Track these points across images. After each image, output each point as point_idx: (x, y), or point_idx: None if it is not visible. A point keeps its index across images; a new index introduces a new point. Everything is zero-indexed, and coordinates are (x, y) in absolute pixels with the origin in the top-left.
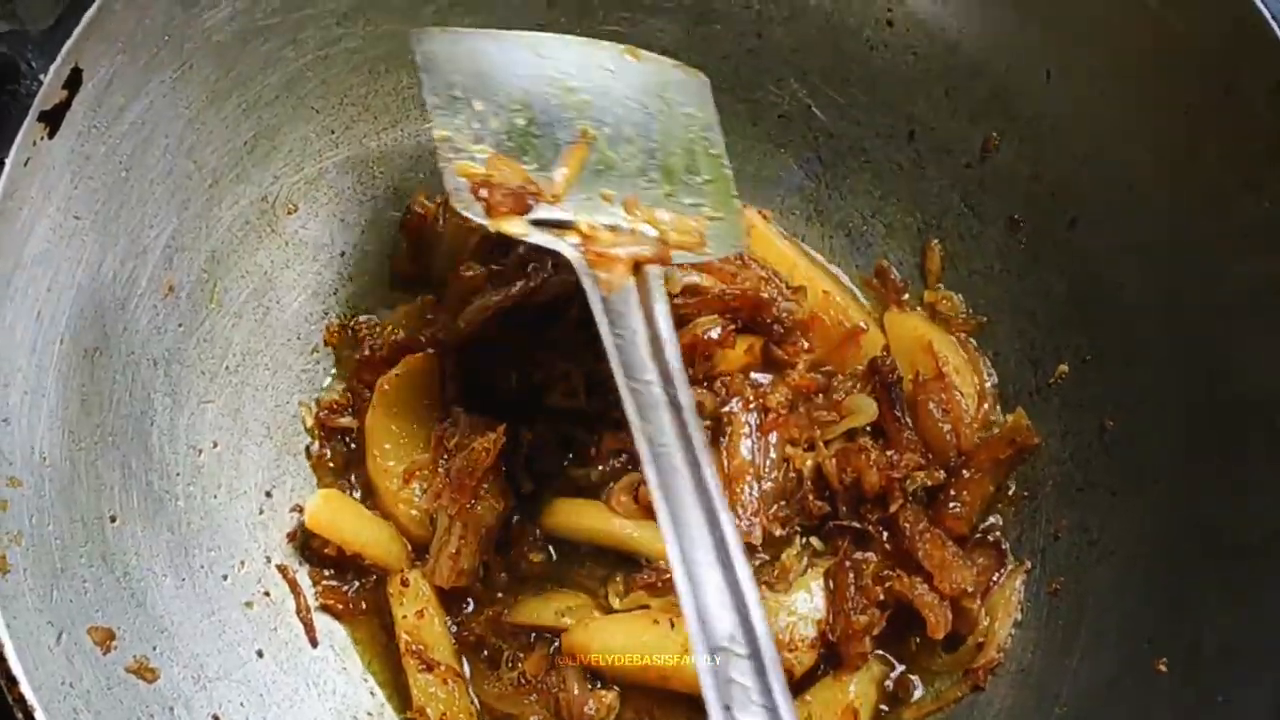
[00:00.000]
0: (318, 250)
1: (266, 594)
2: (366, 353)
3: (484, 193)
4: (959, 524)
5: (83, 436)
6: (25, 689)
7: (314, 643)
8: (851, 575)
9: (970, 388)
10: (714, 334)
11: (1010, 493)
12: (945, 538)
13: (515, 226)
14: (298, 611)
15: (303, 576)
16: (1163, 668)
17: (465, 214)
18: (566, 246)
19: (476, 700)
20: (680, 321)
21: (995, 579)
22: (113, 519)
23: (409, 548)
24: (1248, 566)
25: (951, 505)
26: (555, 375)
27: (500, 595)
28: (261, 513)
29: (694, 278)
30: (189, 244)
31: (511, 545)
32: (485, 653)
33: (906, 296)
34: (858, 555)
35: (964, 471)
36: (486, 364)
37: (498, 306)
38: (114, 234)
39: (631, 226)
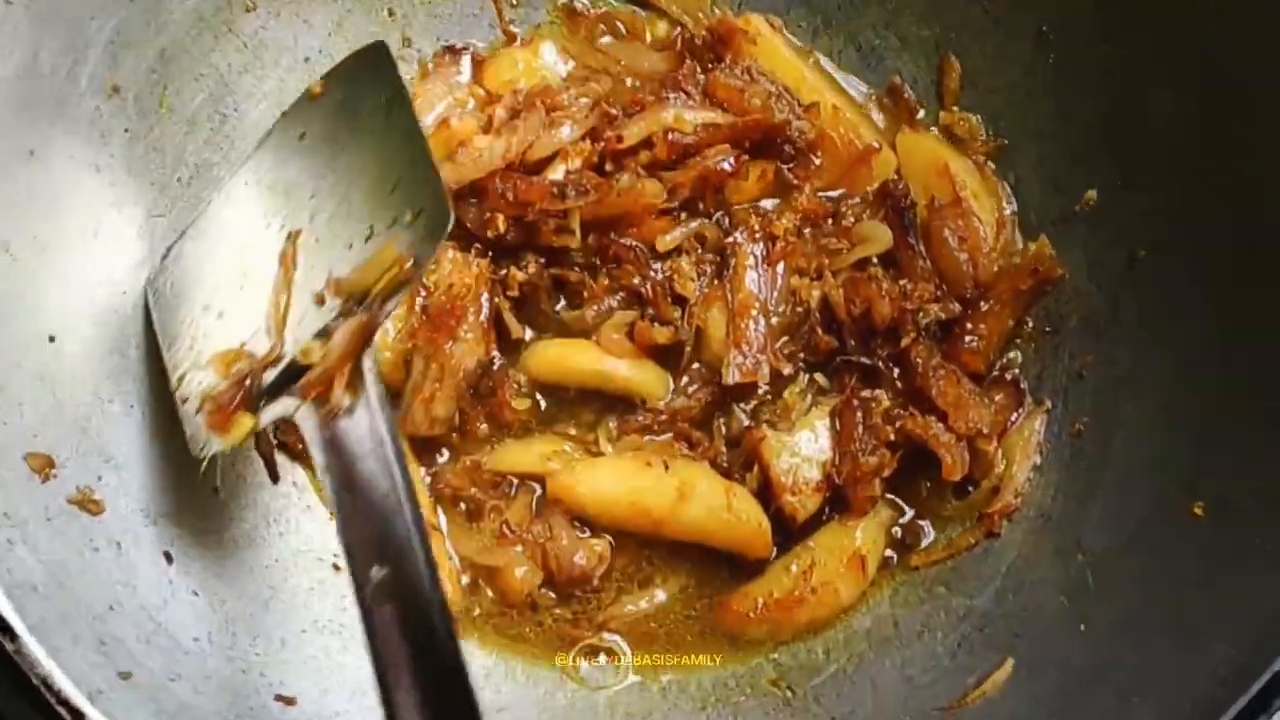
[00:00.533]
0: (280, 54)
1: None
2: None
3: (206, 415)
4: (975, 360)
5: (19, 247)
6: None
7: (275, 478)
8: (859, 414)
9: (989, 214)
10: (726, 165)
11: (1030, 328)
12: (961, 374)
13: (244, 426)
14: (257, 445)
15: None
16: (1197, 511)
17: (202, 453)
18: (297, 414)
19: (455, 557)
20: (689, 153)
21: (1013, 419)
22: (51, 338)
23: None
24: None
25: (968, 340)
26: (548, 214)
27: (480, 445)
28: None
29: (703, 114)
30: (135, 40)
31: (493, 392)
32: (463, 505)
33: (921, 116)
34: (866, 393)
35: (981, 304)
36: (471, 207)
37: (491, 166)
38: (52, 22)
39: (338, 311)
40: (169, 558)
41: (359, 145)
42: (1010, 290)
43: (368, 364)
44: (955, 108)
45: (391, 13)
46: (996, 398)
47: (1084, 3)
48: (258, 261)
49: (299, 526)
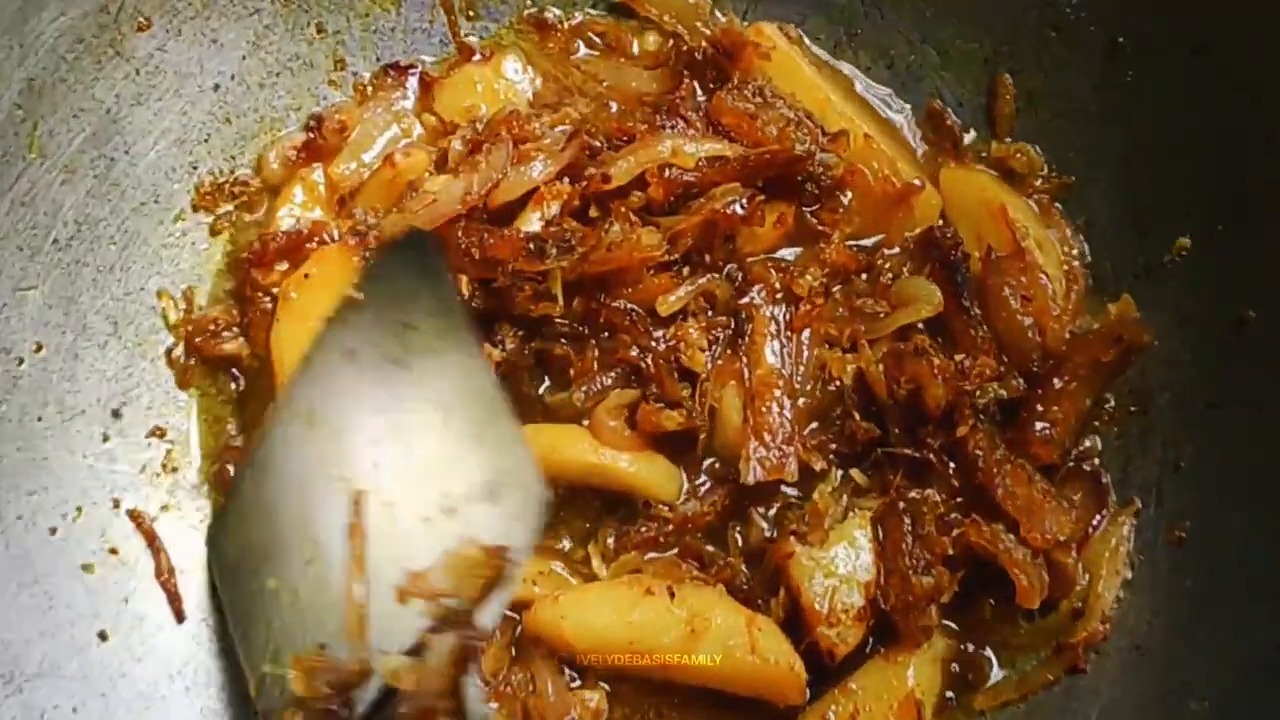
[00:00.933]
0: (181, 82)
1: (113, 552)
2: (257, 245)
3: None
4: (1049, 450)
5: None
6: None
7: (180, 616)
8: (908, 521)
9: (1056, 267)
10: (737, 208)
11: (1111, 408)
12: (1031, 469)
13: None
14: (158, 574)
15: (166, 523)
16: None
17: None
18: None
19: None
20: (691, 193)
21: (1095, 524)
22: None
23: None
24: None
25: (1039, 426)
26: (523, 275)
27: None
28: (106, 440)
29: (710, 146)
30: None
31: None
32: None
33: (968, 142)
34: (915, 493)
35: (1053, 380)
36: None
37: (449, 213)
38: None
39: (426, 617)
40: None
41: (417, 375)
42: (1088, 363)
43: (471, 692)
44: (1009, 137)
45: (321, 29)
46: (1074, 497)
47: (1167, 6)
48: (323, 527)
49: (211, 678)
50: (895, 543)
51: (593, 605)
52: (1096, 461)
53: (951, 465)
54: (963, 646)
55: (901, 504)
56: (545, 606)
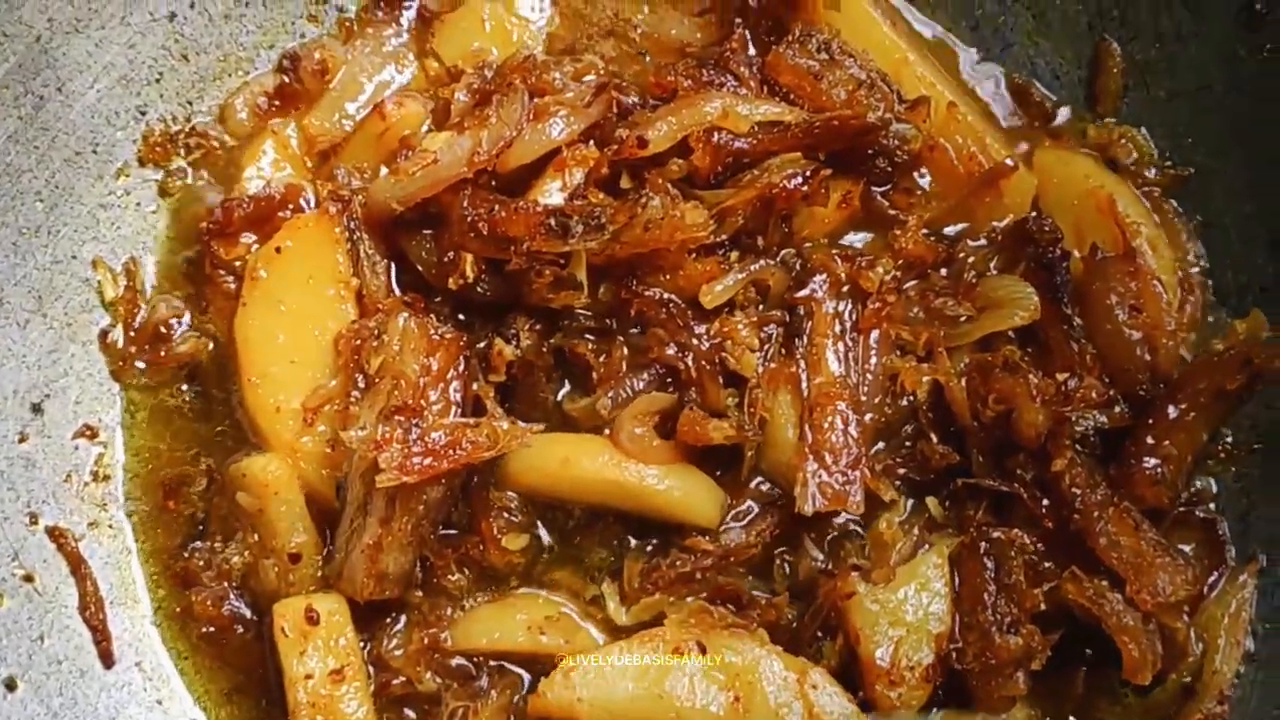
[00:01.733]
0: (129, 6)
1: (27, 579)
2: (218, 212)
3: None
4: (1158, 492)
5: None
6: None
7: (109, 660)
8: (991, 565)
9: (1170, 274)
10: (797, 182)
11: (1228, 445)
12: (1137, 515)
13: None
14: (82, 609)
15: (95, 544)
16: None
17: None
18: None
19: None
20: (743, 164)
21: (1211, 583)
22: None
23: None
24: None
25: (1149, 463)
26: (542, 257)
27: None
28: (23, 440)
29: (767, 108)
30: None
31: (472, 527)
32: (412, 711)
33: (1062, 121)
34: (999, 534)
35: (1167, 409)
36: (425, 242)
37: (452, 178)
38: None
39: None
40: None
41: None
42: (1210, 391)
43: None
44: (1114, 118)
45: None
46: (1186, 549)
47: None
48: None
49: None
50: (976, 590)
51: (615, 681)
52: (1212, 507)
53: (1044, 503)
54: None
55: (984, 544)
56: (556, 685)
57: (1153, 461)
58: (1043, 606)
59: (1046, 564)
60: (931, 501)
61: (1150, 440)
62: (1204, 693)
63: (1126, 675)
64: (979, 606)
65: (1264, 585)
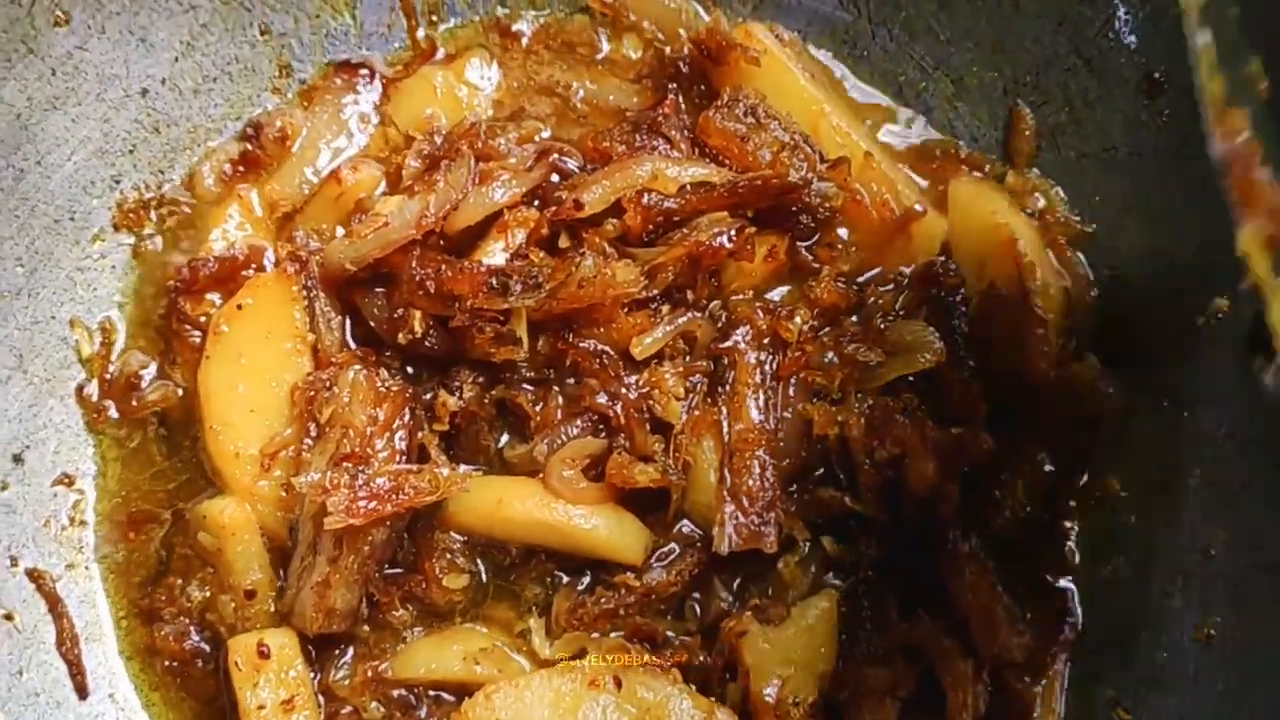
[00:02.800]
0: (104, 85)
1: (8, 618)
2: (185, 271)
3: None
4: (998, 518)
5: None
6: None
7: (83, 692)
8: (867, 605)
9: (1059, 316)
10: (725, 240)
11: (1116, 489)
12: (995, 579)
13: None
14: (60, 644)
15: (71, 584)
16: None
17: None
18: None
19: None
20: (673, 223)
21: (1052, 653)
22: None
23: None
24: None
25: (992, 491)
26: (484, 314)
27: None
28: (5, 488)
29: (695, 170)
30: None
31: (415, 565)
32: None
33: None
34: (873, 573)
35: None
36: (376, 299)
37: (402, 240)
38: None
39: None
40: None
41: None
42: (1043, 420)
43: None
44: (1030, 171)
45: (265, 30)
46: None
47: None
48: None
49: None
50: (854, 625)
51: (532, 706)
52: (1067, 581)
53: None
54: None
55: (863, 585)
56: (479, 706)
57: (996, 492)
58: (910, 640)
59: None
60: (827, 540)
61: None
62: None
63: (949, 717)
64: (855, 642)
65: (1165, 623)
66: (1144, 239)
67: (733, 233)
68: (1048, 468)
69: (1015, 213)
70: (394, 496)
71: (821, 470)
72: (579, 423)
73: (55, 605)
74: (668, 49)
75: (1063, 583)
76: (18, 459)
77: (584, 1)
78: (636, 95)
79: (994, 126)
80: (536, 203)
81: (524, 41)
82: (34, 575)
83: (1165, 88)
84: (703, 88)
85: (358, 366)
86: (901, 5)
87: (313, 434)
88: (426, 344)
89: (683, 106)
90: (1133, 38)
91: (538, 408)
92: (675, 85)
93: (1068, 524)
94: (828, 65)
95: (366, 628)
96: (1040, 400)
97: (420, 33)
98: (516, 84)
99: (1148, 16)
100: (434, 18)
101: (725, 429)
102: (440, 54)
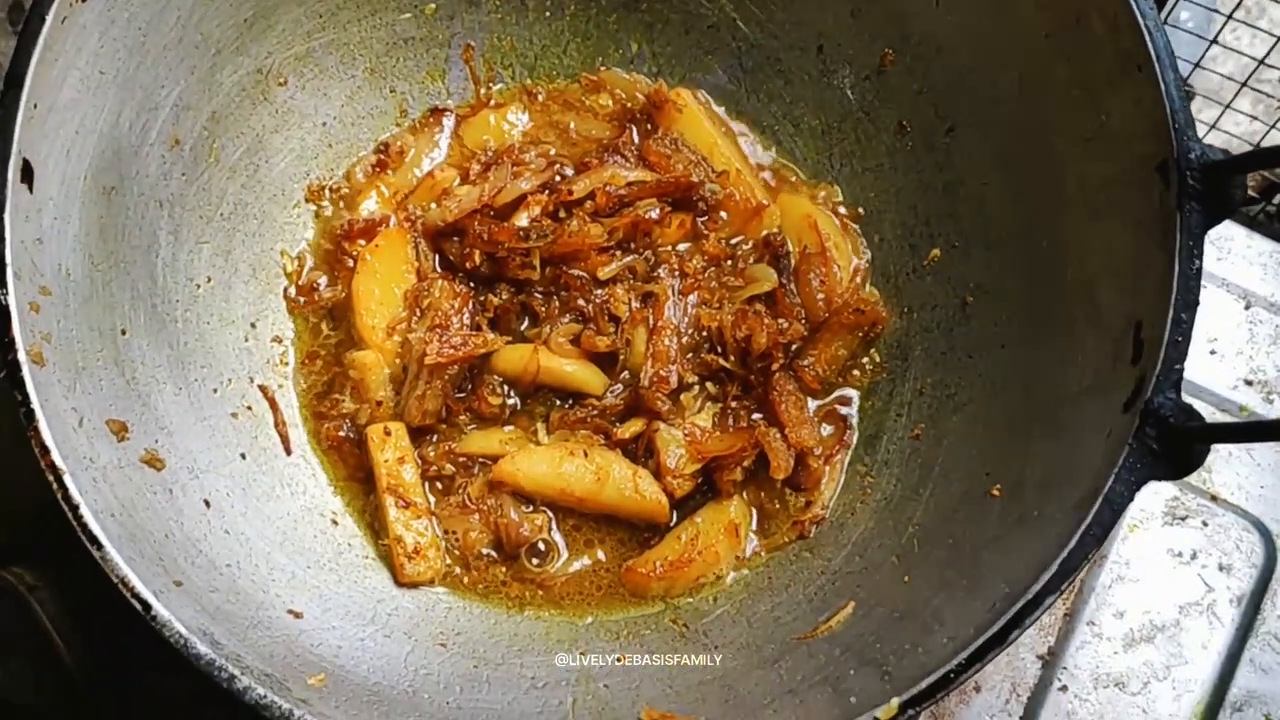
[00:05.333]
0: (303, 119)
1: (249, 408)
2: (345, 226)
3: None
4: (807, 376)
5: (100, 260)
6: (55, 457)
7: (288, 451)
8: (731, 419)
9: (846, 263)
10: (654, 214)
11: (879, 361)
12: (805, 402)
13: None
14: (275, 425)
15: (280, 394)
16: (996, 492)
17: None
18: None
19: (440, 530)
20: (625, 204)
21: (835, 451)
22: (123, 332)
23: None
24: (1064, 413)
25: (805, 361)
26: (515, 252)
27: (460, 433)
28: (246, 340)
29: (636, 174)
30: (194, 104)
31: (474, 389)
32: (439, 484)
33: (801, 185)
34: (736, 402)
35: (818, 332)
36: (454, 243)
37: (469, 210)
38: (132, 89)
39: None
40: (207, 504)
41: None
42: (838, 322)
43: None
44: (822, 180)
45: (393, 90)
46: (828, 428)
47: (929, 107)
48: None
49: (306, 489)
50: (723, 428)
51: (537, 463)
52: (851, 409)
53: (762, 387)
54: (763, 497)
55: (729, 406)
56: (507, 462)
57: (808, 361)
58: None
59: (755, 414)
60: (710, 384)
61: (808, 348)
62: (816, 502)
63: (773, 472)
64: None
65: (896, 428)
66: (896, 216)
67: (659, 210)
68: (841, 352)
69: (816, 207)
70: (462, 348)
71: (707, 345)
72: (568, 315)
73: (273, 404)
74: (628, 103)
75: (844, 411)
76: (253, 325)
77: (577, 75)
78: (608, 129)
79: (815, 152)
80: (546, 191)
81: (540, 98)
82: (262, 388)
83: (908, 130)
84: (649, 125)
85: (442, 281)
86: (763, 81)
87: (418, 316)
88: (482, 269)
89: (635, 137)
90: (887, 101)
91: (544, 307)
92: (631, 124)
93: (851, 377)
94: (721, 114)
95: (444, 425)
96: (839, 313)
97: (482, 90)
98: (536, 124)
99: (897, 88)
100: (489, 84)
101: (651, 321)
102: (493, 102)
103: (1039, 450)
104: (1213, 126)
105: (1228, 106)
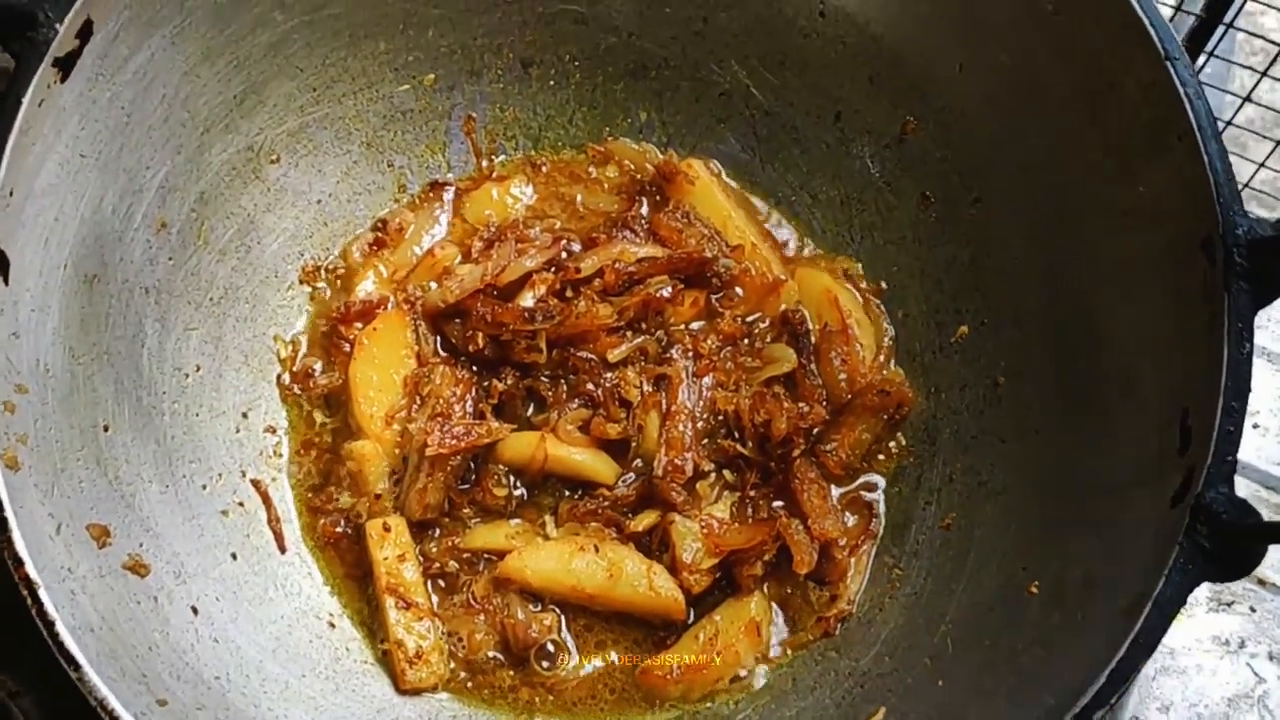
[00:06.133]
0: (297, 197)
1: (241, 504)
2: (341, 309)
3: None
4: (828, 460)
5: (81, 353)
6: (30, 570)
7: (283, 549)
8: (750, 508)
9: (870, 340)
10: (665, 292)
11: (905, 445)
12: (827, 489)
13: None
14: (269, 521)
15: (274, 489)
16: (1034, 590)
17: None
18: None
19: (444, 632)
20: (635, 281)
21: (861, 541)
22: (106, 428)
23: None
24: (1106, 505)
25: (828, 446)
26: (520, 334)
27: (464, 526)
28: (238, 431)
29: (647, 250)
30: (181, 185)
31: (478, 481)
32: (442, 581)
33: (820, 259)
34: (755, 491)
35: (840, 414)
36: (456, 326)
37: (471, 290)
38: (114, 172)
39: None
40: (195, 610)
41: None
42: (863, 404)
43: None
44: (839, 254)
45: (390, 164)
46: (852, 517)
47: (954, 177)
48: None
49: (300, 590)
50: (742, 519)
51: (545, 559)
52: (878, 495)
53: (782, 474)
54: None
55: (749, 496)
56: (513, 559)
57: (830, 446)
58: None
59: (775, 503)
60: (727, 472)
61: (832, 433)
62: (841, 597)
63: (796, 567)
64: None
65: (924, 517)
66: (920, 291)
67: (671, 288)
68: (865, 435)
69: (836, 282)
70: (465, 438)
71: (723, 430)
72: (576, 400)
73: (265, 499)
74: (637, 175)
75: (869, 498)
76: (245, 415)
77: (584, 145)
78: (616, 202)
79: (834, 224)
80: (553, 269)
81: (545, 170)
82: (254, 482)
83: (931, 200)
84: (659, 197)
85: (444, 367)
86: (779, 150)
87: (417, 404)
88: (485, 352)
89: (645, 210)
90: (910, 171)
91: (551, 392)
92: (641, 196)
93: (876, 462)
94: (734, 186)
95: (447, 518)
96: (862, 395)
97: (484, 163)
98: (541, 197)
99: (920, 157)
100: (491, 156)
101: (664, 406)
102: (495, 174)
103: (1080, 546)
104: (1245, 185)
105: (1262, 165)
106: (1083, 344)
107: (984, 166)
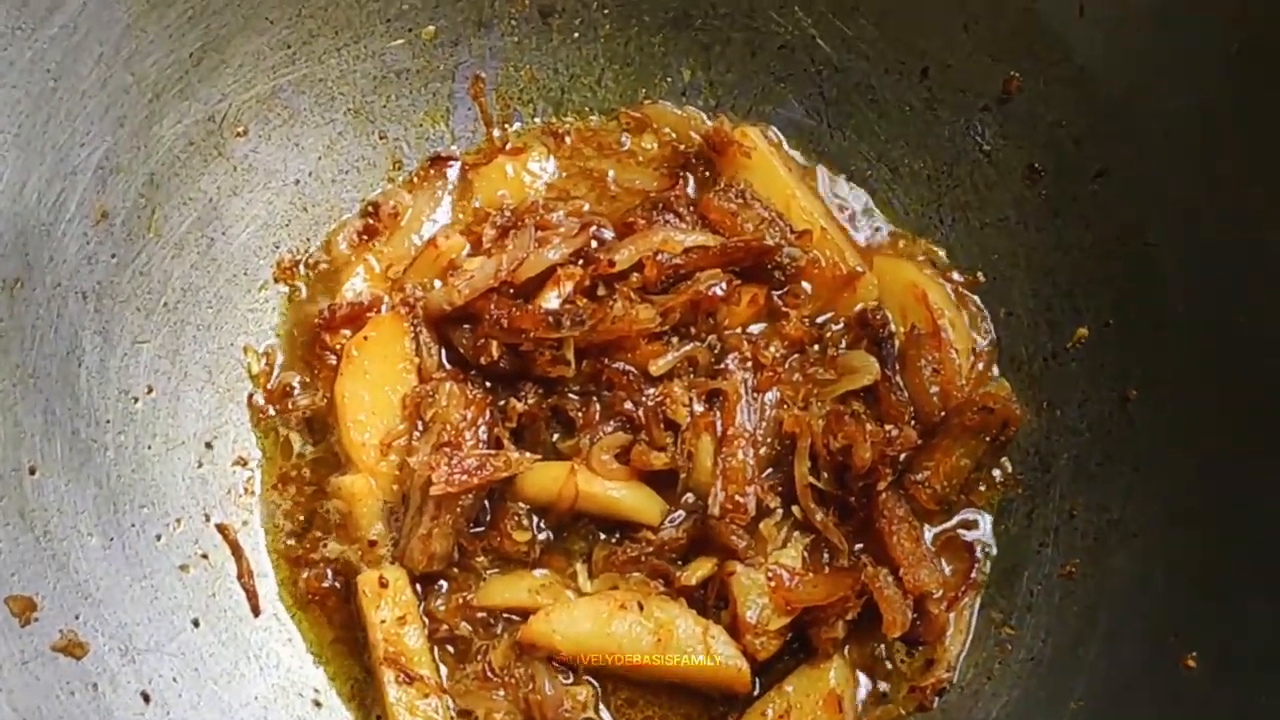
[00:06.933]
0: (269, 177)
1: (204, 556)
2: (326, 313)
3: None
4: (921, 493)
5: (0, 379)
6: None
7: (256, 611)
8: (826, 553)
9: (965, 345)
10: (718, 289)
11: (1011, 471)
12: (920, 530)
13: None
14: (239, 576)
15: (246, 535)
16: (1191, 663)
17: None
18: None
19: (456, 711)
20: (680, 276)
21: (962, 591)
22: (32, 470)
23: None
24: None
25: (918, 475)
26: (543, 343)
27: (478, 580)
28: (200, 466)
29: (694, 237)
30: (125, 165)
31: (493, 524)
32: (451, 647)
33: (902, 244)
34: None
35: (934, 436)
36: (464, 333)
37: (483, 288)
38: (40, 151)
39: None
40: (146, 698)
41: None
42: (960, 425)
43: None
44: (923, 238)
45: (383, 136)
46: (949, 565)
47: (1069, 145)
48: None
49: (279, 661)
50: (816, 568)
51: (578, 620)
52: (980, 534)
53: (863, 511)
54: (876, 651)
55: (824, 540)
56: (539, 620)
57: (922, 475)
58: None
59: (857, 545)
60: (796, 508)
61: (923, 459)
62: (939, 661)
63: (884, 629)
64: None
65: (1039, 561)
66: (1027, 284)
67: (724, 284)
68: (963, 462)
69: (923, 273)
70: (479, 472)
71: (791, 458)
72: (612, 423)
73: (235, 549)
74: (681, 145)
75: (969, 538)
76: (209, 445)
77: (615, 111)
78: (655, 179)
79: (920, 203)
80: (580, 261)
81: (568, 140)
82: (221, 528)
83: (1041, 174)
84: (707, 173)
85: (451, 382)
86: (851, 114)
87: (419, 429)
88: (501, 365)
89: (691, 189)
90: (1015, 139)
91: (581, 412)
92: (685, 172)
93: (978, 495)
94: (799, 159)
95: (456, 569)
96: (959, 412)
97: (495, 133)
98: (565, 172)
99: (1027, 122)
100: (504, 124)
101: (719, 428)
102: (509, 146)
103: (1255, 610)
104: None
105: None
106: (1241, 349)
107: (1109, 133)
